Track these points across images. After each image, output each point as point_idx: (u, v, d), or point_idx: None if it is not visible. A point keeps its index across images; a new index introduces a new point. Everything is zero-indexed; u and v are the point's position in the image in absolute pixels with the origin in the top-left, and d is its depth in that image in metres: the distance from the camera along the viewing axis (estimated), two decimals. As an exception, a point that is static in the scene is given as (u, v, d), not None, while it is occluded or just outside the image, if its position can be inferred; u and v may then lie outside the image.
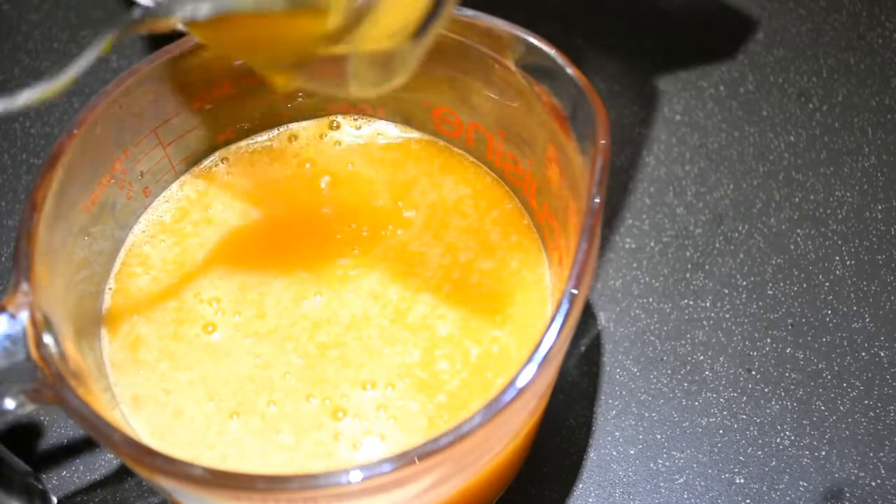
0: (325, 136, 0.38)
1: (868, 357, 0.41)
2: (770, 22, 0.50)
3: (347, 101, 0.38)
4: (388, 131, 0.38)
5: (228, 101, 0.36)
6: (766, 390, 0.40)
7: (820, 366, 0.41)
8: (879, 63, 0.49)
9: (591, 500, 0.38)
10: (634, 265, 0.43)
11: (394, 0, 0.25)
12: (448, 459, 0.28)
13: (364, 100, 0.38)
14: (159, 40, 0.50)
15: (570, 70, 0.31)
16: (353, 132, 0.38)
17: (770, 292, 0.43)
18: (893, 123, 0.47)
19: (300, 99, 0.38)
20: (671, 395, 0.40)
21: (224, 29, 0.27)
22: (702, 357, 0.41)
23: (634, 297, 0.42)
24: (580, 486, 0.39)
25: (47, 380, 0.28)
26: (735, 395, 0.40)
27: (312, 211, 0.36)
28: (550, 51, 0.32)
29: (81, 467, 0.39)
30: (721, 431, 0.39)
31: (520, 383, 0.27)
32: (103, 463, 0.39)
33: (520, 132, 0.35)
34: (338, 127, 0.38)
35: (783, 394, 0.40)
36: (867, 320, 0.42)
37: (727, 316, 0.42)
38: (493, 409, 0.27)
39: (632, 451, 0.39)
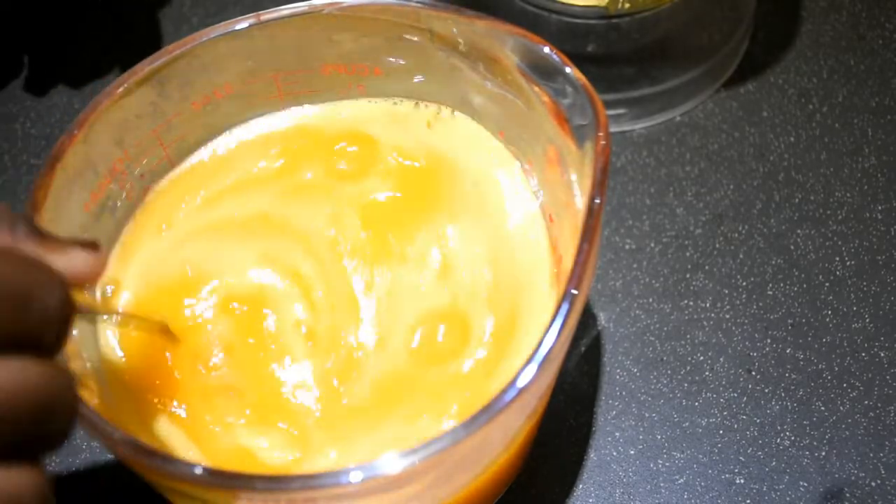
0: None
1: (868, 357, 0.41)
2: (770, 22, 0.50)
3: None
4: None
5: (228, 101, 0.36)
6: (766, 391, 0.40)
7: (820, 366, 0.41)
8: (879, 64, 0.49)
9: (591, 500, 0.38)
10: (634, 265, 0.43)
11: None
12: (448, 460, 0.28)
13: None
14: (159, 41, 0.50)
15: (570, 70, 0.31)
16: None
17: (770, 293, 0.43)
18: (893, 124, 0.47)
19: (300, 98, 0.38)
20: (671, 396, 0.40)
21: None
22: (702, 357, 0.41)
23: (634, 297, 0.42)
24: (580, 486, 0.39)
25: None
26: (735, 395, 0.40)
27: (313, 210, 0.36)
28: (550, 51, 0.32)
29: (82, 468, 0.39)
30: (721, 432, 0.40)
31: (520, 383, 0.27)
32: (104, 463, 0.39)
33: (520, 132, 0.35)
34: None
35: (783, 394, 0.40)
36: (867, 321, 0.42)
37: (727, 316, 0.42)
38: (494, 410, 0.27)
39: (632, 452, 0.39)
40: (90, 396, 0.30)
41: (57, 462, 0.39)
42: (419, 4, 0.34)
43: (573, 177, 0.32)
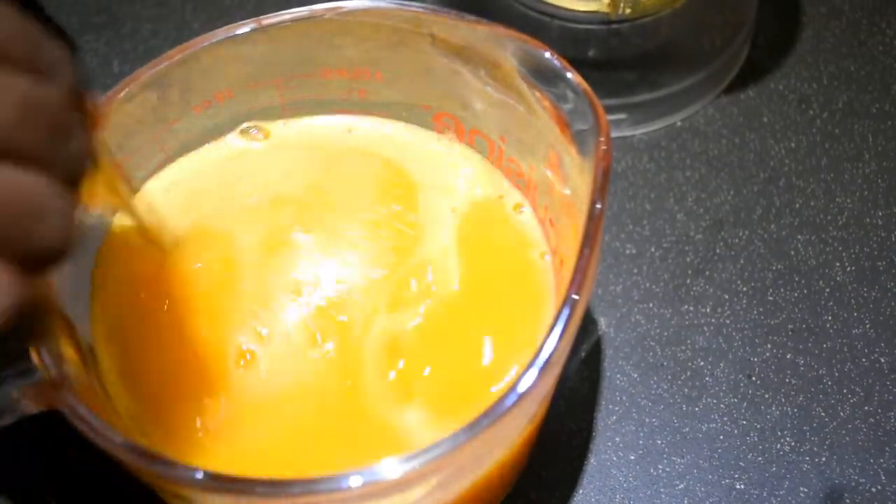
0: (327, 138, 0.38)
1: (868, 363, 0.41)
2: (770, 28, 0.50)
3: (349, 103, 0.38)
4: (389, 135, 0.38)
5: (229, 105, 0.36)
6: (767, 396, 0.40)
7: (820, 371, 0.41)
8: (879, 70, 0.49)
9: (591, 505, 0.38)
10: (635, 270, 0.43)
11: None
12: (448, 465, 0.28)
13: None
14: (160, 46, 0.50)
15: (571, 75, 0.31)
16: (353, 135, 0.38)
17: (770, 298, 0.43)
18: (893, 130, 0.47)
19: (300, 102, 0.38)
20: (671, 401, 0.40)
21: None
22: (702, 363, 0.41)
23: (635, 302, 0.42)
24: (580, 491, 0.39)
25: (48, 383, 0.28)
26: (735, 400, 0.40)
27: (312, 215, 0.36)
28: (552, 56, 0.32)
29: (83, 470, 0.39)
30: (721, 437, 0.39)
31: (521, 388, 0.27)
32: (104, 466, 0.39)
33: (521, 137, 0.35)
34: (339, 131, 0.38)
35: (783, 399, 0.40)
36: (867, 326, 0.42)
37: (727, 322, 0.42)
38: (494, 415, 0.27)
39: (632, 457, 0.39)
40: (90, 399, 0.30)
41: (59, 467, 0.39)
42: (420, 9, 0.34)
43: (574, 182, 0.32)
